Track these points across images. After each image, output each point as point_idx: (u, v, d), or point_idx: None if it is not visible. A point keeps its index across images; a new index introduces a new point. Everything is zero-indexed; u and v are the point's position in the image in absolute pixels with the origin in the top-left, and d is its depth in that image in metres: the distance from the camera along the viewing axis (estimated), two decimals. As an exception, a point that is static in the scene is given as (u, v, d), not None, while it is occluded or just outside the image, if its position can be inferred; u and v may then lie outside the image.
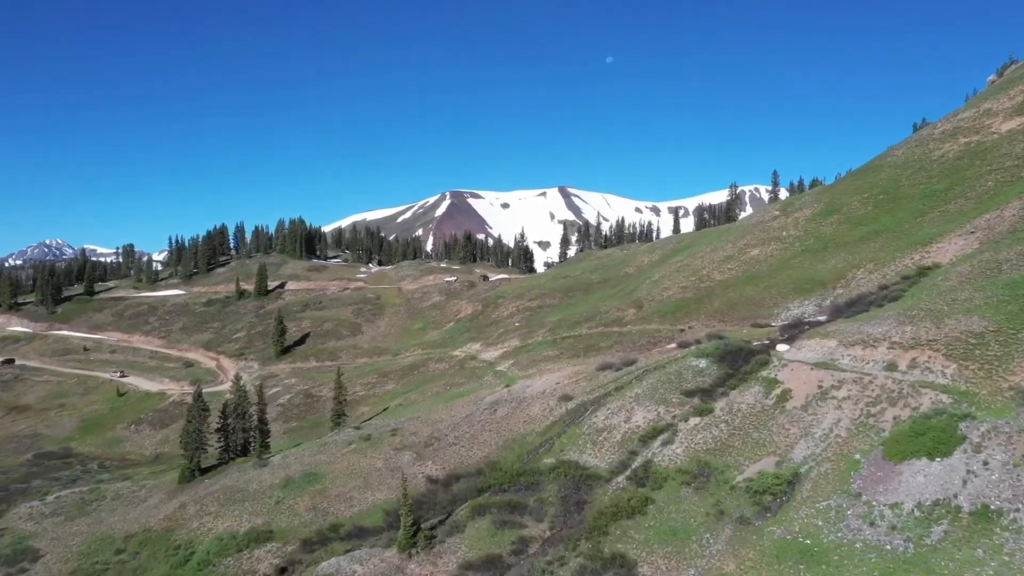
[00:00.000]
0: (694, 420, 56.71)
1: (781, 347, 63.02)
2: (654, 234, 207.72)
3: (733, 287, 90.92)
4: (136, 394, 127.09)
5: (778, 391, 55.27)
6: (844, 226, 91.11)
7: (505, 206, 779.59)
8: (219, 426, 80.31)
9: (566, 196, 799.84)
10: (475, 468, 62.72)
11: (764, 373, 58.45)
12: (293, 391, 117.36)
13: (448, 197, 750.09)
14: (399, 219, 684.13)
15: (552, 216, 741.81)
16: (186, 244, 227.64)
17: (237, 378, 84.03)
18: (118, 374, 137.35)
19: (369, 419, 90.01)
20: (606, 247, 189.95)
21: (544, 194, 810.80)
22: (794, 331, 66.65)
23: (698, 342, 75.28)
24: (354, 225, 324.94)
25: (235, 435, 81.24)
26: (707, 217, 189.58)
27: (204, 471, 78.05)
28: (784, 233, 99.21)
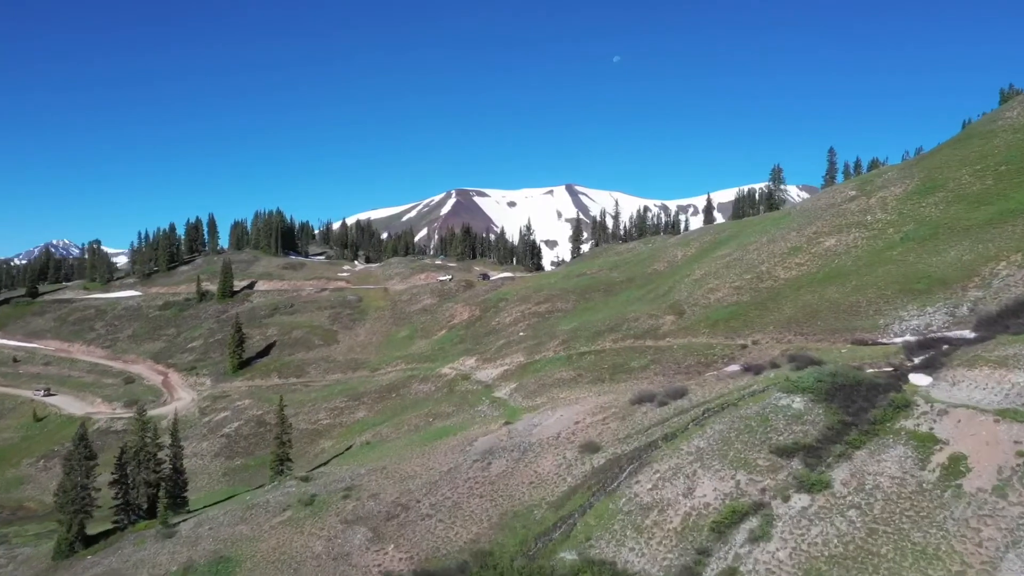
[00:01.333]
0: (799, 499, 37.09)
1: (919, 379, 43.33)
2: (681, 227, 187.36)
3: (808, 288, 71.11)
4: (57, 418, 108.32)
5: (941, 458, 35.56)
6: (957, 206, 71.18)
7: (512, 204, 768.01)
8: (116, 477, 61.03)
9: (573, 194, 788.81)
10: (457, 560, 43.30)
11: (907, 424, 38.74)
12: (244, 417, 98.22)
13: (454, 195, 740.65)
14: (404, 218, 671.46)
15: (559, 214, 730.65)
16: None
17: (141, 411, 64.84)
18: (42, 392, 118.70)
19: (324, 464, 70.72)
20: (626, 241, 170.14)
21: (551, 192, 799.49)
22: (930, 353, 46.91)
23: (775, 365, 55.64)
24: (344, 221, 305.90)
25: (136, 490, 61.93)
26: (722, 211, 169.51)
27: (91, 540, 59.01)
28: (869, 217, 79.33)
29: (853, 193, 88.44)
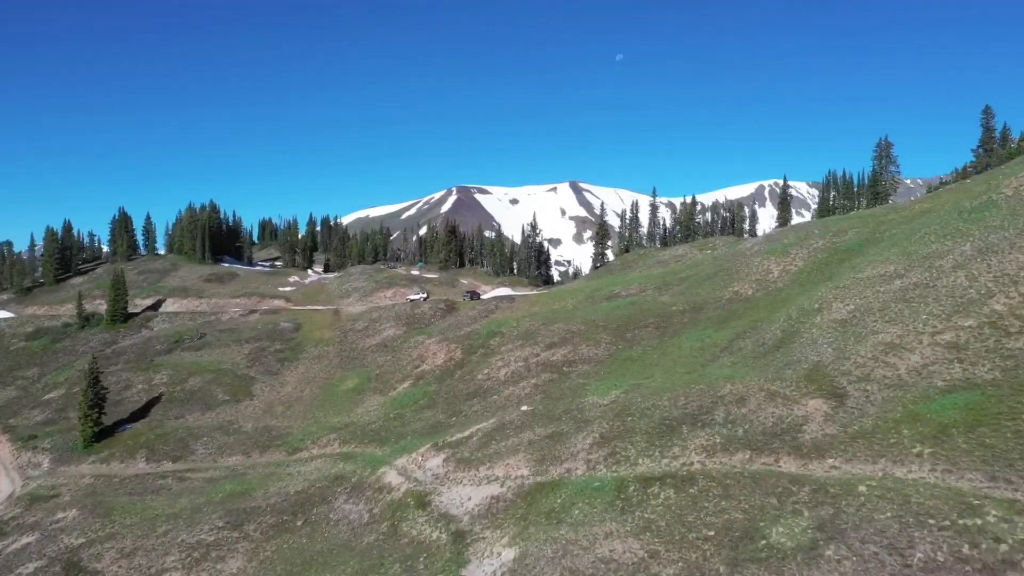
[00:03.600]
0: None
1: None
2: (745, 225, 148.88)
3: None
4: None
5: None
6: None
7: (514, 202, 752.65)
8: None
9: (577, 191, 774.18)
10: None
11: None
12: (53, 548, 61.31)
13: (455, 192, 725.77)
14: (403, 215, 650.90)
15: (563, 212, 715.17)
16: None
17: None
18: None
19: None
20: (667, 245, 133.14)
21: (554, 189, 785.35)
22: None
23: None
24: (311, 217, 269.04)
25: None
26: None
27: None
28: None
29: None
